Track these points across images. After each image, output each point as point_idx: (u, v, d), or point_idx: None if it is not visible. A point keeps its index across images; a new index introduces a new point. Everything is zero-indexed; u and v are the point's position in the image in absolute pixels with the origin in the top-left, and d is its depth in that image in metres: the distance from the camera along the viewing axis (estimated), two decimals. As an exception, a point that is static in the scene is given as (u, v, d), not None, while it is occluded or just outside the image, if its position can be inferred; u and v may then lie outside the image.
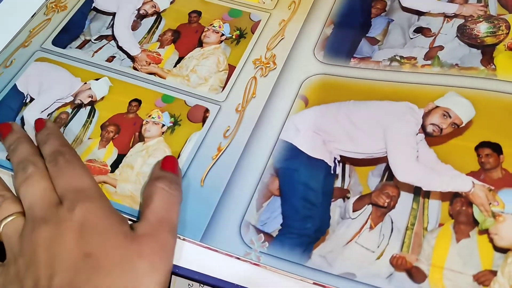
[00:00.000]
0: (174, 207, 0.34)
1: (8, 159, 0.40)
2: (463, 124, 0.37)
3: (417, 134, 0.37)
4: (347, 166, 0.38)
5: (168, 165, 0.37)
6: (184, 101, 0.43)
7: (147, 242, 0.31)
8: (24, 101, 0.44)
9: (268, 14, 0.48)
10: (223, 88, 0.44)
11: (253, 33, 0.47)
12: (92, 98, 0.44)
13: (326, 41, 0.45)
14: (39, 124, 0.39)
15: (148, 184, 0.36)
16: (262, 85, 0.43)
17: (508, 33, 0.41)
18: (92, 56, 0.47)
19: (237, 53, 0.46)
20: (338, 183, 0.37)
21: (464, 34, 0.42)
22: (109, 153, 0.41)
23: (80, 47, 0.48)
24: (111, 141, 0.41)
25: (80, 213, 0.31)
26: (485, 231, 0.32)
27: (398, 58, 0.42)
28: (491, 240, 0.32)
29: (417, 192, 0.35)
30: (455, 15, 0.44)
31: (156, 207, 0.33)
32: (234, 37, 0.47)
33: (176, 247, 0.34)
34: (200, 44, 0.47)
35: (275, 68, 0.44)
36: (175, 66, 0.46)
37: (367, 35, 0.45)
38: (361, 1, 0.48)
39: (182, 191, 0.36)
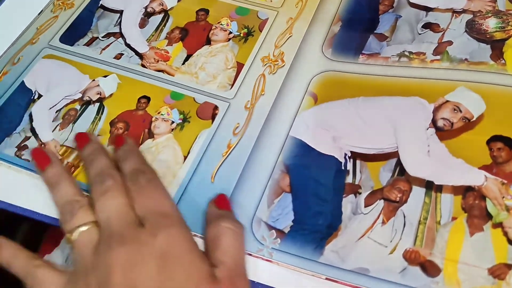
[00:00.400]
0: (243, 246, 0.32)
1: (17, 156, 0.40)
2: (474, 119, 0.37)
3: (427, 129, 0.37)
4: (358, 162, 0.38)
5: (223, 203, 0.35)
6: (193, 98, 0.43)
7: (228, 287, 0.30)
8: (32, 97, 0.44)
9: (276, 12, 0.48)
10: (232, 85, 0.44)
11: (260, 31, 0.47)
12: (100, 95, 0.43)
13: (334, 38, 0.45)
14: (119, 140, 0.37)
15: (210, 225, 0.33)
16: (270, 83, 0.43)
17: None
18: (100, 53, 0.47)
19: (245, 51, 0.46)
20: (349, 179, 0.37)
21: (473, 29, 0.42)
22: (119, 150, 0.40)
23: (88, 44, 0.48)
24: (120, 138, 0.41)
25: (163, 240, 0.30)
26: (499, 225, 0.32)
27: (407, 53, 0.43)
28: (505, 234, 0.32)
29: (429, 187, 0.35)
30: (464, 11, 0.45)
31: (229, 248, 0.31)
32: (242, 35, 0.47)
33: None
34: (208, 42, 0.47)
35: (283, 66, 0.44)
36: (183, 63, 0.46)
37: (375, 31, 0.45)
38: (369, -3, 0.48)
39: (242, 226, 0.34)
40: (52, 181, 0.36)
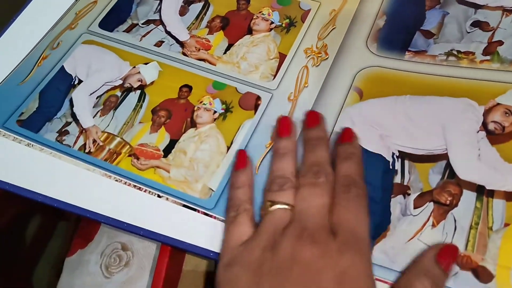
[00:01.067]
0: None
1: (58, 141, 0.40)
2: None
3: (478, 132, 0.37)
4: (406, 162, 0.37)
5: (446, 261, 0.30)
6: (236, 88, 0.42)
7: None
8: (72, 82, 0.44)
9: (318, 3, 0.48)
10: (274, 76, 0.43)
11: (303, 22, 0.46)
12: (141, 82, 0.43)
13: (379, 33, 0.45)
14: (348, 135, 0.36)
15: (412, 271, 0.31)
16: (314, 75, 0.43)
17: None
18: (140, 40, 0.46)
19: (288, 41, 0.45)
20: (397, 179, 0.36)
21: None
22: (161, 138, 0.40)
23: (128, 31, 0.47)
24: (162, 126, 0.41)
25: (348, 260, 0.29)
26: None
27: (455, 52, 0.42)
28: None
29: (480, 191, 0.34)
30: (516, 9, 0.43)
31: None
32: (284, 25, 0.46)
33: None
34: (250, 31, 0.46)
35: (327, 58, 0.44)
36: (224, 53, 0.45)
37: (421, 28, 0.44)
38: (415, -8, 0.47)
39: None
40: (281, 151, 0.36)
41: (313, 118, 0.37)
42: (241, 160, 0.37)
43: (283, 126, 0.37)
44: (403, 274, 0.31)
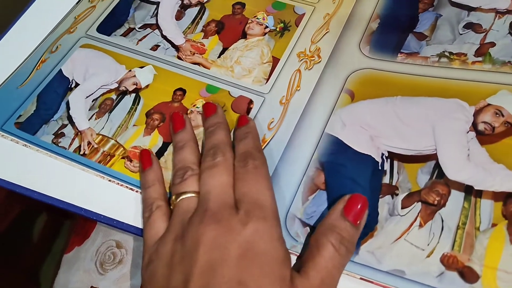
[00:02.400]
0: (338, 270, 0.30)
1: (54, 143, 0.41)
2: None
3: (467, 132, 0.37)
4: (395, 163, 0.37)
5: (352, 211, 0.32)
6: (228, 91, 0.43)
7: None
8: (69, 86, 0.44)
9: (312, 7, 0.48)
10: (267, 80, 0.43)
11: (297, 26, 0.47)
12: (136, 85, 0.44)
13: (372, 36, 0.45)
14: (242, 120, 0.39)
15: (319, 229, 0.32)
16: (306, 78, 0.43)
17: None
18: (137, 44, 0.47)
19: (281, 45, 0.46)
20: (386, 180, 0.36)
21: None
22: (154, 141, 0.41)
23: (125, 35, 0.48)
24: (156, 129, 0.41)
25: (251, 230, 0.30)
26: (541, 233, 0.32)
27: (447, 54, 0.42)
28: (546, 242, 0.31)
29: (469, 191, 0.34)
30: (507, 11, 0.43)
31: (320, 264, 0.30)
32: (278, 29, 0.47)
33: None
34: (244, 35, 0.47)
35: (319, 62, 0.44)
36: (219, 56, 0.46)
37: (414, 30, 0.44)
38: (408, -5, 0.47)
39: (353, 250, 0.32)
40: (178, 144, 0.38)
41: (209, 108, 0.40)
42: (146, 159, 0.38)
43: (175, 121, 0.39)
44: (316, 230, 0.32)
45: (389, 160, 0.37)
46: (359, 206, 0.32)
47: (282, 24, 0.47)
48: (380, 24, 0.46)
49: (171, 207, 0.35)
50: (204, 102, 0.42)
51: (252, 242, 0.29)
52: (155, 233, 0.33)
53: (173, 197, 0.35)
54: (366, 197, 0.32)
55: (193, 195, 0.34)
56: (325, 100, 0.41)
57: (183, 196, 0.34)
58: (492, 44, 0.41)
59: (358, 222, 0.32)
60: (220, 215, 0.31)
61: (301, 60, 0.44)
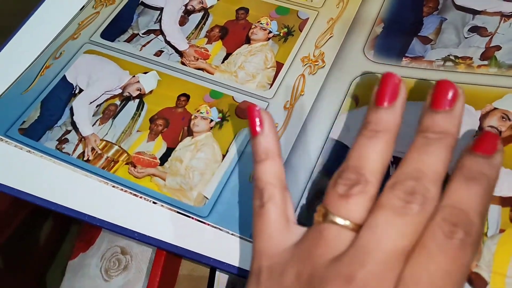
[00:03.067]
0: None
1: (58, 149, 0.41)
2: None
3: (474, 136, 0.36)
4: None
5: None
6: (232, 97, 0.43)
7: None
8: (73, 91, 0.44)
9: (316, 12, 0.48)
10: (271, 85, 0.43)
11: (301, 31, 0.47)
12: (140, 91, 0.44)
13: (376, 40, 0.45)
14: (488, 142, 0.24)
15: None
16: (310, 83, 0.43)
17: None
18: (140, 50, 0.47)
19: (285, 50, 0.45)
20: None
21: None
22: (158, 146, 0.41)
23: (128, 40, 0.48)
24: (160, 135, 0.41)
25: None
26: (550, 239, 0.31)
27: (453, 58, 0.41)
28: (556, 248, 0.31)
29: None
30: (514, 15, 0.43)
31: None
32: (281, 34, 0.47)
33: (224, 242, 0.34)
34: (248, 41, 0.47)
35: (323, 66, 0.44)
36: (222, 62, 0.45)
37: (419, 34, 0.44)
38: None
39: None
40: (369, 128, 0.27)
41: (443, 90, 0.25)
42: (254, 119, 0.29)
43: (384, 88, 0.26)
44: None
45: (394, 165, 0.37)
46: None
47: (285, 29, 0.47)
48: (385, 28, 0.45)
49: (314, 215, 0.25)
50: (208, 107, 0.42)
51: None
52: (268, 238, 0.26)
53: (321, 209, 0.25)
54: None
55: (349, 225, 0.23)
56: (329, 105, 0.41)
57: (337, 220, 0.24)
58: (498, 48, 0.41)
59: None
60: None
61: (305, 65, 0.44)
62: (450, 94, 0.25)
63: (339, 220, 0.23)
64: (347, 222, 0.23)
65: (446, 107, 0.25)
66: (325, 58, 0.44)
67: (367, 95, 0.41)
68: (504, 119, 0.36)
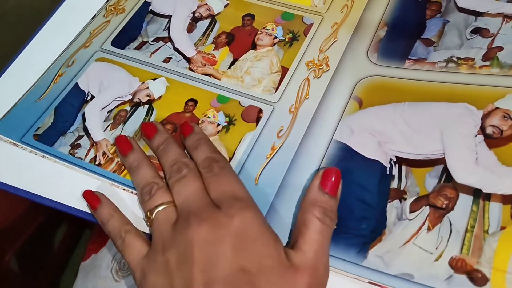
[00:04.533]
0: (327, 239, 0.32)
1: (71, 154, 0.42)
2: None
3: (476, 136, 0.37)
4: (403, 167, 0.37)
5: (328, 184, 0.34)
6: (239, 101, 0.44)
7: (302, 276, 0.30)
8: (85, 98, 0.46)
9: (321, 17, 0.49)
10: (276, 89, 0.44)
11: (305, 36, 0.48)
12: (150, 97, 0.45)
13: (380, 43, 0.45)
14: (187, 128, 0.40)
15: (302, 207, 0.34)
16: (315, 87, 0.44)
17: None
18: (150, 57, 0.48)
19: (290, 55, 0.46)
20: (394, 184, 0.37)
21: None
22: (167, 150, 0.42)
23: (138, 48, 0.49)
24: (168, 139, 0.42)
25: (238, 221, 0.31)
26: (551, 234, 0.32)
27: (455, 59, 0.42)
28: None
29: (477, 195, 0.34)
30: (516, 15, 0.44)
31: (311, 238, 0.32)
32: (287, 39, 0.48)
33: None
34: (254, 46, 0.48)
35: (328, 70, 0.44)
36: (229, 67, 0.47)
37: (422, 36, 0.45)
38: (415, 3, 0.48)
39: (336, 219, 0.34)
40: (133, 165, 0.38)
41: (148, 129, 0.40)
42: (93, 198, 0.38)
43: (121, 144, 0.40)
44: (299, 210, 0.34)
45: (397, 165, 0.38)
46: (333, 178, 0.34)
47: (291, 34, 0.48)
48: (388, 32, 0.46)
49: (148, 225, 0.36)
50: (215, 111, 0.43)
51: (243, 231, 0.31)
52: (137, 252, 0.34)
53: (147, 213, 0.35)
54: (337, 167, 0.35)
55: (169, 205, 0.35)
56: (333, 108, 0.42)
57: (159, 209, 0.35)
58: (500, 48, 0.41)
59: (336, 192, 0.34)
60: (204, 214, 0.32)
61: (310, 69, 0.45)
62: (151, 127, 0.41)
63: (160, 207, 0.35)
64: (165, 205, 0.35)
65: (152, 135, 0.41)
66: (329, 62, 0.45)
67: (370, 97, 0.42)
68: (506, 118, 0.37)
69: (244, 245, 0.30)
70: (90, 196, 0.38)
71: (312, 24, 0.48)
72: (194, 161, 0.37)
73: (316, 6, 0.50)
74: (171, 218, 0.34)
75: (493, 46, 0.42)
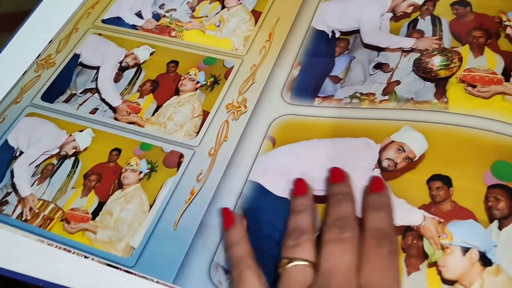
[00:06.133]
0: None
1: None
2: (416, 158, 0.39)
3: (373, 169, 0.39)
4: (311, 204, 0.39)
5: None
6: (161, 147, 0.46)
7: None
8: (14, 154, 0.47)
9: (241, 60, 0.51)
10: (197, 133, 0.46)
11: (226, 79, 0.50)
12: (76, 149, 0.47)
13: (293, 83, 0.48)
14: (378, 185, 0.35)
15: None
16: (233, 129, 0.46)
17: (460, 65, 0.43)
18: (77, 109, 0.50)
19: (211, 99, 0.48)
20: (301, 221, 0.38)
21: (420, 68, 0.44)
22: (91, 201, 0.43)
23: (67, 101, 0.51)
24: (92, 190, 0.44)
25: None
26: (434, 264, 0.34)
27: (358, 95, 0.44)
28: (439, 273, 0.33)
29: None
30: (412, 50, 0.46)
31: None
32: (208, 83, 0.50)
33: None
34: (177, 92, 0.50)
35: (246, 112, 0.47)
36: (153, 114, 0.48)
37: (330, 74, 0.47)
38: (326, 41, 0.50)
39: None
40: (298, 207, 0.36)
41: (337, 174, 0.37)
42: (228, 217, 0.38)
43: (298, 185, 0.38)
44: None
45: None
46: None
47: (212, 79, 0.50)
48: (301, 71, 0.48)
49: (279, 269, 0.32)
50: (138, 159, 0.45)
51: None
52: None
53: (284, 260, 0.32)
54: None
55: (307, 264, 0.31)
56: (249, 148, 0.44)
57: (296, 263, 0.31)
58: (398, 82, 0.44)
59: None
60: None
61: (229, 111, 0.47)
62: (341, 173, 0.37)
63: (299, 262, 0.31)
64: (305, 262, 0.31)
65: (340, 180, 0.37)
66: (247, 104, 0.47)
67: (283, 136, 0.44)
68: (400, 151, 0.39)
69: None
70: (227, 214, 0.38)
71: (232, 67, 0.51)
72: (365, 222, 0.33)
73: (237, 49, 0.52)
74: (304, 281, 0.31)
75: (392, 81, 0.45)
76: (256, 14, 0.55)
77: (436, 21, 0.47)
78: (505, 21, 0.44)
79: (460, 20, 0.47)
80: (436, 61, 0.43)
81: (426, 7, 0.49)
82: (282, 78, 0.48)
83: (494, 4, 0.46)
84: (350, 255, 0.30)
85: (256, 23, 0.54)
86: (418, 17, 0.48)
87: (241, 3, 0.56)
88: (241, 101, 0.48)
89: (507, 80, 0.41)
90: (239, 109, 0.47)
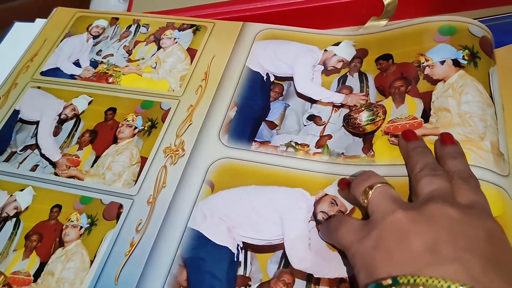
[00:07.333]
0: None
1: None
2: (348, 212, 0.40)
3: (309, 221, 0.40)
4: (249, 253, 0.40)
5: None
6: (100, 200, 0.46)
7: None
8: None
9: (177, 101, 0.51)
10: (136, 181, 0.46)
11: (163, 122, 0.50)
12: (17, 209, 0.46)
13: (230, 124, 0.48)
14: (449, 139, 0.40)
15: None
16: (171, 174, 0.46)
17: (384, 118, 0.44)
18: (18, 167, 0.50)
19: (149, 144, 0.49)
20: (240, 271, 0.39)
21: (349, 124, 0.45)
22: (32, 263, 0.43)
23: (7, 160, 0.50)
24: (34, 250, 0.44)
25: (491, 224, 0.33)
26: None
27: (294, 144, 0.45)
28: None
29: (309, 279, 0.37)
30: (342, 105, 0.48)
31: None
32: (146, 128, 0.50)
33: None
34: (115, 140, 0.50)
35: (183, 155, 0.47)
36: (92, 166, 0.49)
37: (266, 118, 0.48)
38: (261, 83, 0.51)
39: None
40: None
41: (411, 134, 0.41)
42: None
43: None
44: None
45: (243, 250, 0.40)
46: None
47: (149, 123, 0.50)
48: (237, 112, 0.49)
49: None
50: (78, 214, 0.45)
51: (495, 234, 0.32)
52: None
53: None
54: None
55: (383, 184, 0.36)
56: (188, 194, 0.44)
57: (377, 186, 0.36)
58: (330, 137, 0.45)
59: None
60: (455, 209, 0.32)
61: (167, 155, 0.47)
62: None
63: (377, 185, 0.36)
64: (380, 184, 0.36)
65: (416, 138, 0.41)
66: (185, 147, 0.47)
67: (221, 181, 0.44)
68: (333, 205, 0.40)
69: (493, 241, 0.31)
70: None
71: (169, 109, 0.51)
72: (448, 168, 0.37)
73: (173, 90, 0.52)
74: (391, 193, 0.35)
75: (324, 134, 0.46)
76: (191, 52, 0.55)
77: (363, 78, 0.49)
78: (423, 63, 0.46)
79: (384, 74, 0.48)
80: (364, 117, 0.44)
81: (354, 63, 0.50)
82: (219, 119, 0.49)
83: (412, 49, 0.47)
84: (447, 182, 0.35)
85: (192, 61, 0.54)
86: (347, 74, 0.50)
87: (176, 42, 0.57)
88: (178, 144, 0.48)
89: (427, 121, 0.43)
90: (177, 152, 0.47)
